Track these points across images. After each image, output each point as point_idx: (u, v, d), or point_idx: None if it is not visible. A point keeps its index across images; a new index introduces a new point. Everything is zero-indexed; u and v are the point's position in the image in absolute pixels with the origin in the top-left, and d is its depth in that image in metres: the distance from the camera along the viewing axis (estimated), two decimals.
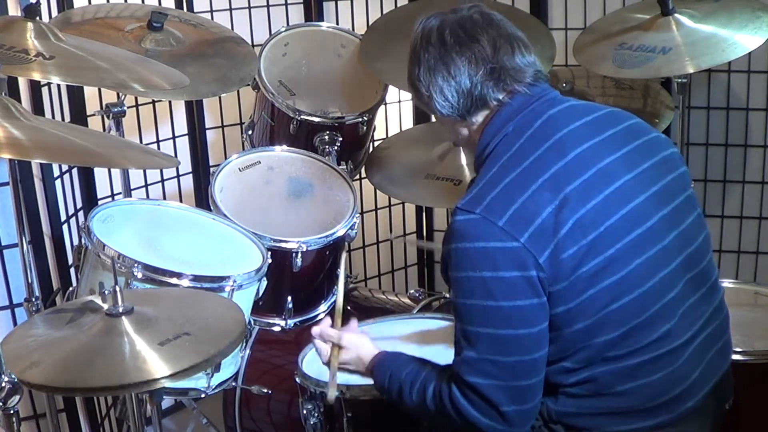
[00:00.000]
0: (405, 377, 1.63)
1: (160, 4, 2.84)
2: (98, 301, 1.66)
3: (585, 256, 1.44)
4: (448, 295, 2.45)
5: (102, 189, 2.78)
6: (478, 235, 1.43)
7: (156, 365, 1.50)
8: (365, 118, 2.73)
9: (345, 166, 2.74)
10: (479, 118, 1.61)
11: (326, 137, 2.68)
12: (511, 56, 1.56)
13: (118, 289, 1.61)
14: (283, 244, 2.32)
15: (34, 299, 2.17)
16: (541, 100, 1.59)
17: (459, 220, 1.47)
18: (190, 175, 3.10)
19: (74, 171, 2.62)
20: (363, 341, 1.82)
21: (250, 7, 3.08)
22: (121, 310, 1.60)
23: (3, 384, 1.37)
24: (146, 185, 2.97)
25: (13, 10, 2.24)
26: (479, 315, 1.46)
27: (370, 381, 1.78)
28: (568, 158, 1.49)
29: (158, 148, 2.97)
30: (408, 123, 3.42)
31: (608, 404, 1.53)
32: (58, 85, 2.50)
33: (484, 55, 1.55)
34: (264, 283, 2.20)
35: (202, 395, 2.11)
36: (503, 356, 1.45)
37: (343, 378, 1.99)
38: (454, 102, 1.59)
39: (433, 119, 2.31)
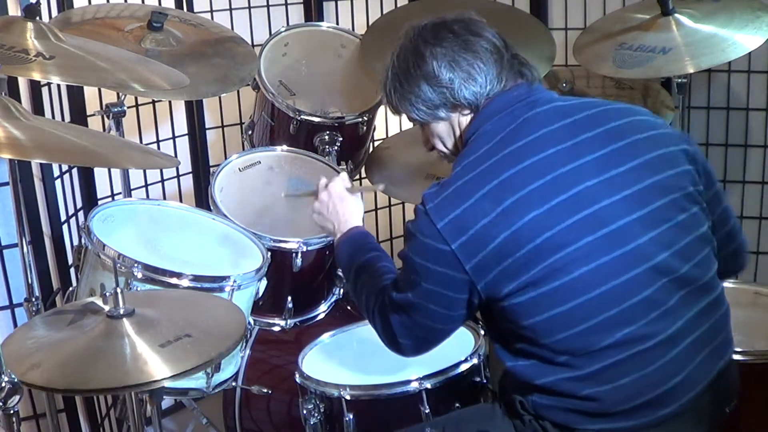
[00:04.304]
0: (362, 264, 1.79)
1: (160, 4, 2.84)
2: (99, 302, 1.65)
3: (521, 265, 1.48)
4: None
5: (102, 189, 2.78)
6: (421, 229, 1.55)
7: (157, 367, 1.50)
8: (365, 118, 2.73)
9: (345, 166, 2.74)
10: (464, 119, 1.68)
11: (326, 137, 2.68)
12: (454, 92, 1.63)
13: (119, 290, 1.60)
14: (283, 244, 2.32)
15: (34, 299, 2.17)
16: (522, 102, 1.59)
17: (417, 207, 1.58)
18: (190, 175, 3.10)
19: (74, 171, 2.61)
20: (360, 210, 1.98)
21: (250, 7, 3.08)
22: (122, 311, 1.60)
23: (3, 384, 1.37)
24: (146, 185, 2.97)
25: (13, 10, 2.24)
26: (412, 280, 1.59)
27: None
28: (523, 165, 1.51)
29: (158, 148, 2.96)
30: (408, 123, 3.40)
31: (579, 405, 1.53)
32: (58, 85, 2.50)
33: (427, 98, 1.68)
34: (264, 283, 2.20)
35: (202, 395, 2.11)
36: (422, 317, 1.61)
37: (344, 378, 1.99)
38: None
39: None
